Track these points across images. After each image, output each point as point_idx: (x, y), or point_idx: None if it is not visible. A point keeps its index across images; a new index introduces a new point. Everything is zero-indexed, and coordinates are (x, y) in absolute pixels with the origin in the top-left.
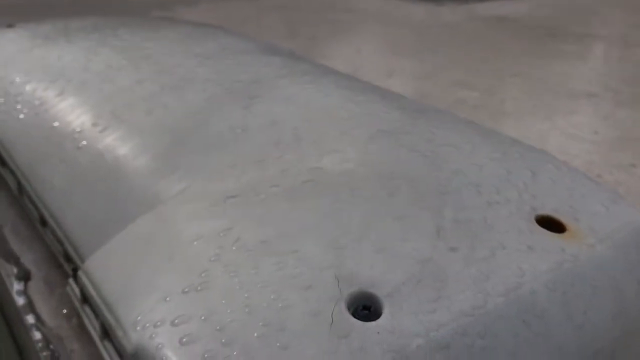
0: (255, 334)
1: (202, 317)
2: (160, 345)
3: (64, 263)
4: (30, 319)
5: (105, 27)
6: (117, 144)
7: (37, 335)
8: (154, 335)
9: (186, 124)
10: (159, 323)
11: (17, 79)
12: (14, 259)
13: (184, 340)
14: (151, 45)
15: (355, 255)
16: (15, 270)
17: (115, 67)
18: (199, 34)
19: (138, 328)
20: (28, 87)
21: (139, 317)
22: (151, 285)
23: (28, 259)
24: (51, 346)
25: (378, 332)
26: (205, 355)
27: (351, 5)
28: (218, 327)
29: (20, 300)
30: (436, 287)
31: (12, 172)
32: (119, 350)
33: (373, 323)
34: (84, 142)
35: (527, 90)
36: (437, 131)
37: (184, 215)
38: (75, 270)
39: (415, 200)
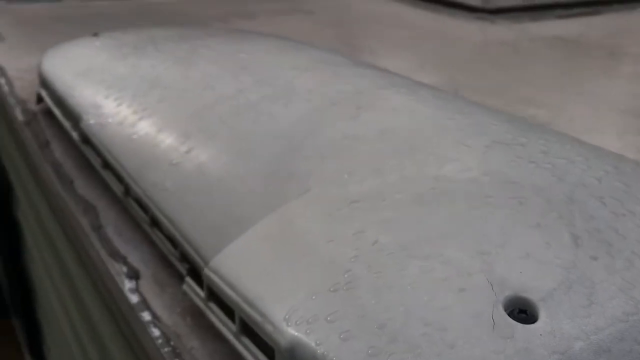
0: (418, 333)
1: (358, 315)
2: (319, 341)
3: (177, 263)
4: (146, 316)
5: (192, 37)
6: (227, 148)
7: (156, 332)
8: (309, 331)
9: (296, 132)
10: (311, 319)
11: (114, 86)
12: (122, 258)
13: (343, 336)
14: (243, 56)
15: (501, 261)
16: (124, 269)
17: (212, 76)
18: (286, 46)
19: (291, 323)
20: (126, 94)
21: (289, 314)
22: (293, 283)
23: (135, 258)
24: (171, 342)
25: (540, 334)
26: (369, 351)
27: (405, 21)
28: (376, 325)
29: (134, 298)
30: (586, 294)
31: (118, 176)
32: (260, 346)
33: (534, 325)
34: (194, 146)
35: (594, 109)
36: (549, 144)
37: (311, 217)
38: (191, 269)
39: (546, 209)
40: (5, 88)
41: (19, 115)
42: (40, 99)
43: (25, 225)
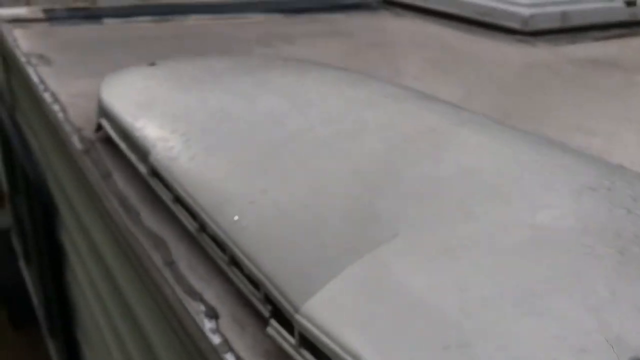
0: None
1: None
2: None
3: (259, 304)
4: (229, 358)
5: (252, 68)
6: (306, 188)
7: None
8: None
9: (375, 172)
10: None
11: (181, 120)
12: (198, 296)
13: None
14: (309, 90)
15: (616, 318)
16: (202, 307)
17: (280, 111)
18: (349, 78)
19: None
20: (195, 128)
21: None
22: (398, 336)
23: (211, 296)
24: None
25: None
26: None
27: (445, 44)
28: None
29: (216, 339)
30: None
31: (191, 211)
32: None
33: None
34: (271, 185)
35: None
36: (635, 188)
37: (407, 265)
38: (275, 311)
39: None
40: (60, 115)
41: (77, 143)
42: (99, 128)
43: (71, 250)
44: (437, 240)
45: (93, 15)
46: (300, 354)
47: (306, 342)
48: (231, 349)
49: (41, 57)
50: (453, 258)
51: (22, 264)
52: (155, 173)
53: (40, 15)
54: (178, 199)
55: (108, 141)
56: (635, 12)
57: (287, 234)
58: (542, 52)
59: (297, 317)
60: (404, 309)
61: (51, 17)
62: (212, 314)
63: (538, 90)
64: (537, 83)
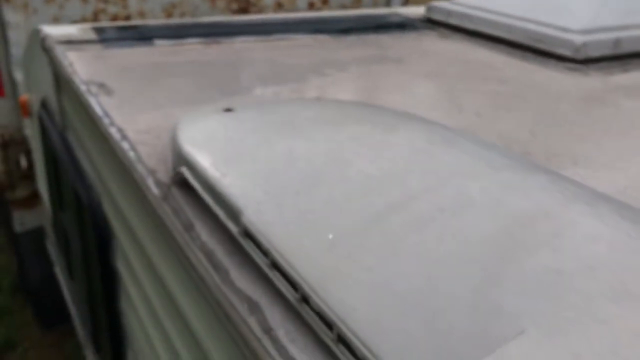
0: None
1: None
2: None
3: None
4: None
5: (335, 117)
6: (416, 269)
7: None
8: None
9: (491, 258)
10: None
11: (274, 179)
12: None
13: None
14: (400, 150)
15: None
16: None
17: (377, 174)
18: (442, 138)
19: None
20: (289, 190)
21: None
22: None
23: None
24: None
25: None
26: None
27: (500, 73)
28: None
29: None
30: None
31: (291, 280)
32: None
33: None
34: (378, 262)
35: None
36: None
37: None
38: None
39: None
40: (131, 154)
41: (153, 188)
42: (177, 175)
43: (130, 280)
44: (567, 343)
45: (144, 37)
46: None
47: None
48: None
49: (101, 86)
50: None
51: (58, 272)
52: (248, 234)
53: (92, 35)
54: (275, 266)
55: (184, 186)
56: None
57: (404, 322)
58: (595, 82)
59: None
60: None
61: (103, 38)
62: None
63: (600, 129)
64: (598, 120)
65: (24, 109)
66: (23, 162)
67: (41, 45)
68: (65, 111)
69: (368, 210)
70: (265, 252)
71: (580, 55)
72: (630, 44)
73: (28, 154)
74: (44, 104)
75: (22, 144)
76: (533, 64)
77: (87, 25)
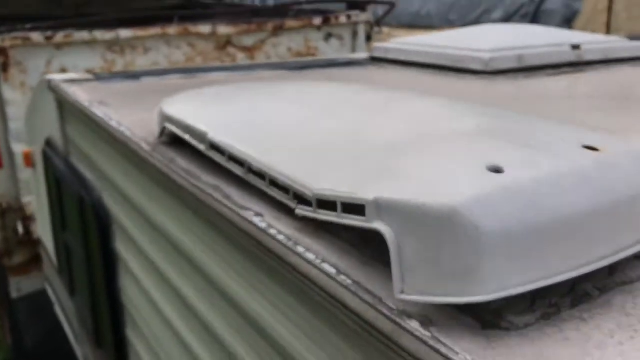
0: None
1: None
2: None
3: (289, 201)
4: (272, 231)
5: (277, 86)
6: (304, 143)
7: None
8: None
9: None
10: None
11: (224, 115)
12: (251, 210)
13: None
14: (309, 92)
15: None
16: (255, 216)
17: (289, 108)
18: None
19: None
20: (234, 119)
21: None
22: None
23: (262, 211)
24: None
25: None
26: None
27: (425, 87)
28: None
29: (267, 229)
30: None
31: (239, 161)
32: None
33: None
34: (290, 140)
35: None
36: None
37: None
38: (299, 201)
39: None
40: (128, 132)
41: (145, 146)
42: (162, 132)
43: (127, 255)
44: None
45: (133, 76)
46: (317, 212)
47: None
48: (272, 226)
49: (100, 102)
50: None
51: (58, 310)
52: (213, 146)
53: (90, 76)
54: (232, 159)
55: (169, 144)
56: (580, 54)
57: (302, 163)
58: (499, 85)
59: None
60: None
61: (99, 77)
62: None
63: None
64: (499, 105)
65: (27, 160)
66: (20, 229)
67: (48, 87)
68: (68, 138)
69: (282, 122)
70: (223, 152)
71: (489, 68)
72: (531, 59)
73: (25, 220)
74: (48, 143)
75: (19, 212)
76: (453, 79)
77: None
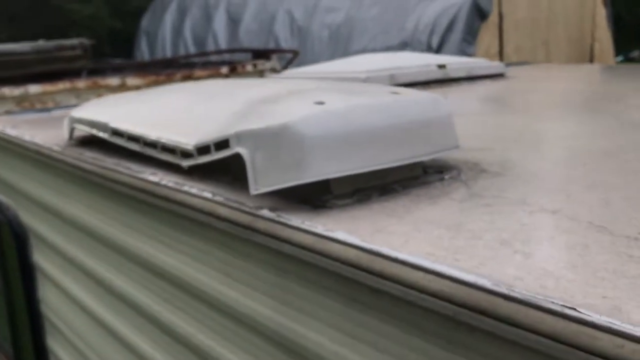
0: None
1: None
2: None
3: (157, 152)
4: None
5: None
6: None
7: None
8: None
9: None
10: None
11: (119, 110)
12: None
13: None
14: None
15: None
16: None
17: (165, 97)
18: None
19: None
20: (125, 111)
21: None
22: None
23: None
24: None
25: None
26: None
27: None
28: None
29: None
30: None
31: (134, 138)
32: None
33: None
34: (158, 114)
35: None
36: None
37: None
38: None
39: None
40: (40, 141)
41: (56, 147)
42: (71, 136)
43: (45, 264)
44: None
45: (43, 109)
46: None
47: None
48: (163, 179)
49: (13, 126)
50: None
51: None
52: (115, 132)
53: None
54: (130, 138)
55: (76, 145)
56: (446, 72)
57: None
58: None
59: None
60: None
61: (10, 112)
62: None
63: None
64: None
65: None
66: None
67: None
68: None
69: (156, 107)
70: (121, 134)
71: None
72: (403, 77)
73: None
74: None
75: None
76: None
77: None
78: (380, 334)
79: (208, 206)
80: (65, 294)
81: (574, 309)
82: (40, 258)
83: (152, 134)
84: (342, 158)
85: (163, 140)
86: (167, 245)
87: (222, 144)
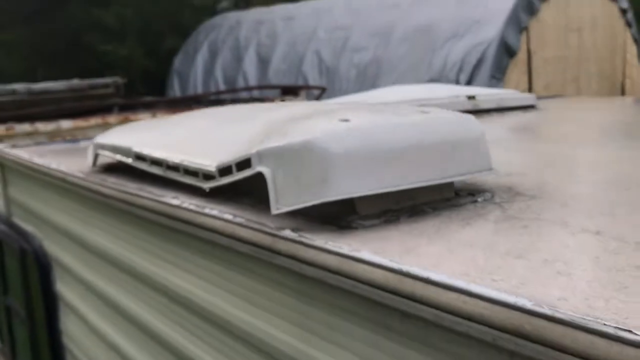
0: None
1: None
2: None
3: (195, 180)
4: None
5: (175, 118)
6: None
7: None
8: None
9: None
10: None
11: (139, 137)
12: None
13: None
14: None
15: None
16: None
17: (188, 124)
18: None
19: None
20: (145, 139)
21: None
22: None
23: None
24: None
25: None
26: None
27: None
28: None
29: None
30: None
31: (158, 163)
32: None
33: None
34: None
35: None
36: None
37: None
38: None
39: None
40: (65, 169)
41: (79, 174)
42: (95, 160)
43: (68, 293)
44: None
45: (71, 140)
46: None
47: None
48: (184, 202)
49: (40, 155)
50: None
51: None
52: (138, 157)
53: (30, 143)
54: (152, 162)
55: (100, 172)
56: (476, 103)
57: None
58: None
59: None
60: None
61: (38, 143)
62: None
63: None
64: None
65: None
66: None
67: None
68: (9, 198)
69: (180, 133)
70: (144, 159)
71: None
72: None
73: None
74: None
75: None
76: None
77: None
78: None
79: (229, 228)
80: (87, 324)
81: (630, 332)
82: (62, 287)
83: (174, 157)
84: (366, 176)
85: (185, 163)
86: (189, 271)
87: (244, 164)
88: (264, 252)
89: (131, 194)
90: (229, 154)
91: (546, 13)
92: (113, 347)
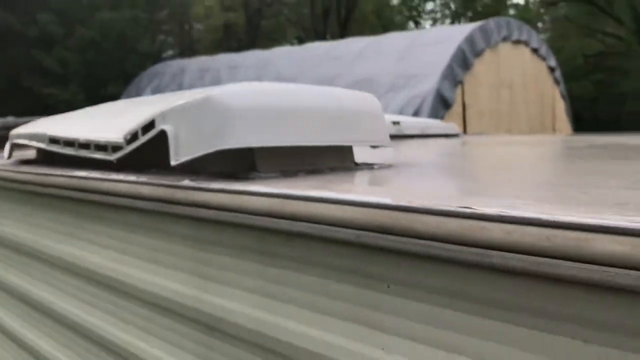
0: None
1: None
2: None
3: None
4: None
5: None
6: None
7: None
8: None
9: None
10: None
11: (52, 125)
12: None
13: None
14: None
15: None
16: None
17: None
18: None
19: None
20: (60, 126)
21: None
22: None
23: None
24: None
25: None
26: None
27: None
28: None
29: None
30: None
31: (69, 143)
32: None
33: None
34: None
35: None
36: None
37: None
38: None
39: None
40: None
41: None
42: (10, 153)
43: None
44: None
45: None
46: None
47: None
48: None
49: None
50: None
51: None
52: (52, 140)
53: None
54: (65, 143)
55: (15, 164)
56: (400, 128)
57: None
58: None
59: None
60: None
61: None
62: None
63: None
64: None
65: None
66: None
67: None
68: None
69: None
70: (57, 141)
71: None
72: None
73: None
74: None
75: None
76: None
77: None
78: (296, 285)
79: (132, 189)
80: None
81: (469, 208)
82: None
83: (85, 135)
84: (264, 130)
85: (94, 139)
86: (98, 244)
87: (149, 127)
88: (165, 205)
89: (39, 173)
90: (135, 125)
91: (479, 68)
92: (16, 340)
